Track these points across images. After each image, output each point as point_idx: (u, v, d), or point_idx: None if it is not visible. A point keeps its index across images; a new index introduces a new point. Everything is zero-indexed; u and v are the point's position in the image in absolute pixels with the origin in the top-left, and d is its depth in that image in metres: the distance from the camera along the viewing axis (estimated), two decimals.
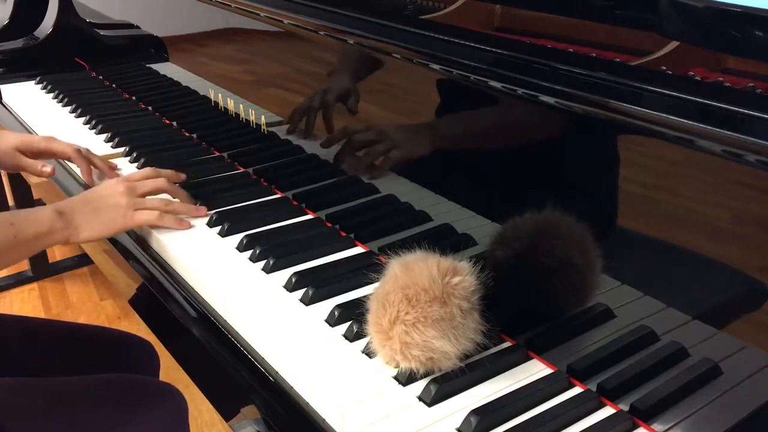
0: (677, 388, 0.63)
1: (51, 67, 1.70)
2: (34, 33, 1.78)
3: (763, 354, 0.60)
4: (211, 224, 0.95)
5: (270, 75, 1.17)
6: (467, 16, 0.82)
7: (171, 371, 1.00)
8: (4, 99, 1.56)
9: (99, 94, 1.56)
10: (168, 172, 1.01)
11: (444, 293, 0.63)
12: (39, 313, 2.10)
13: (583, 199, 0.72)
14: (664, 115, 0.60)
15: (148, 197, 0.95)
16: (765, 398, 0.60)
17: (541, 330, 0.72)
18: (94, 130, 1.34)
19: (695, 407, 0.62)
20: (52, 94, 1.57)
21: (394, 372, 0.67)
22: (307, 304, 0.78)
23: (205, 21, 1.30)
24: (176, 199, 0.98)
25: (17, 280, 2.24)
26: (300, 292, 0.80)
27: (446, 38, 0.81)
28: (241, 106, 1.23)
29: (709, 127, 0.57)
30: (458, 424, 0.61)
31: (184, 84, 1.44)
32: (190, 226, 0.95)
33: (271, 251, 0.86)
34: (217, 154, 1.20)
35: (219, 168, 1.14)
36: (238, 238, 0.91)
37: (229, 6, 1.17)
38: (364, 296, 0.69)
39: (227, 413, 0.78)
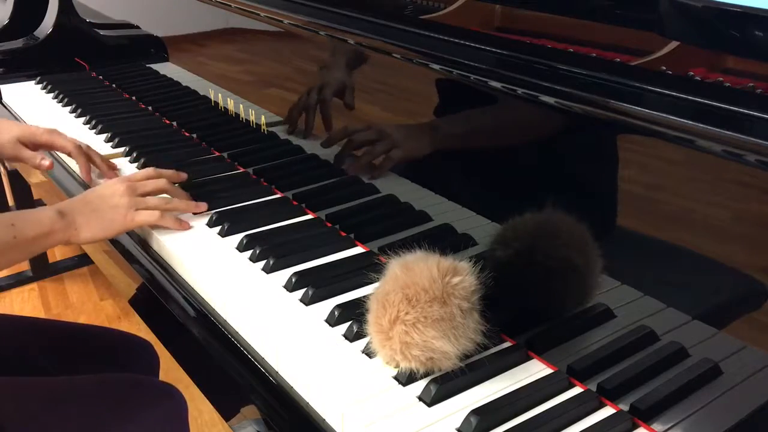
0: (677, 388, 0.63)
1: (51, 67, 1.70)
2: (34, 33, 1.78)
3: (763, 354, 0.60)
4: (211, 224, 0.95)
5: (270, 75, 1.17)
6: (467, 16, 0.82)
7: (171, 371, 1.00)
8: (4, 99, 1.56)
9: (99, 94, 1.56)
10: (169, 172, 1.01)
11: (444, 293, 0.63)
12: (39, 313, 2.10)
13: (584, 199, 0.72)
14: (664, 115, 0.60)
15: (148, 197, 0.95)
16: (765, 398, 0.60)
17: (541, 330, 0.72)
18: (94, 130, 1.34)
19: (695, 407, 0.62)
20: (52, 94, 1.56)
21: (394, 372, 0.67)
22: (307, 304, 0.78)
23: (205, 21, 1.30)
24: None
25: (17, 280, 2.23)
26: (300, 292, 0.80)
27: (446, 38, 0.81)
28: (241, 106, 1.22)
29: (709, 127, 0.57)
30: (458, 424, 0.61)
31: (184, 84, 1.44)
32: (191, 227, 0.95)
33: (271, 251, 0.86)
34: (217, 154, 1.20)
35: (219, 168, 1.14)
36: (238, 238, 0.91)
37: (229, 6, 1.17)
38: (364, 296, 0.69)
39: (227, 413, 0.78)
